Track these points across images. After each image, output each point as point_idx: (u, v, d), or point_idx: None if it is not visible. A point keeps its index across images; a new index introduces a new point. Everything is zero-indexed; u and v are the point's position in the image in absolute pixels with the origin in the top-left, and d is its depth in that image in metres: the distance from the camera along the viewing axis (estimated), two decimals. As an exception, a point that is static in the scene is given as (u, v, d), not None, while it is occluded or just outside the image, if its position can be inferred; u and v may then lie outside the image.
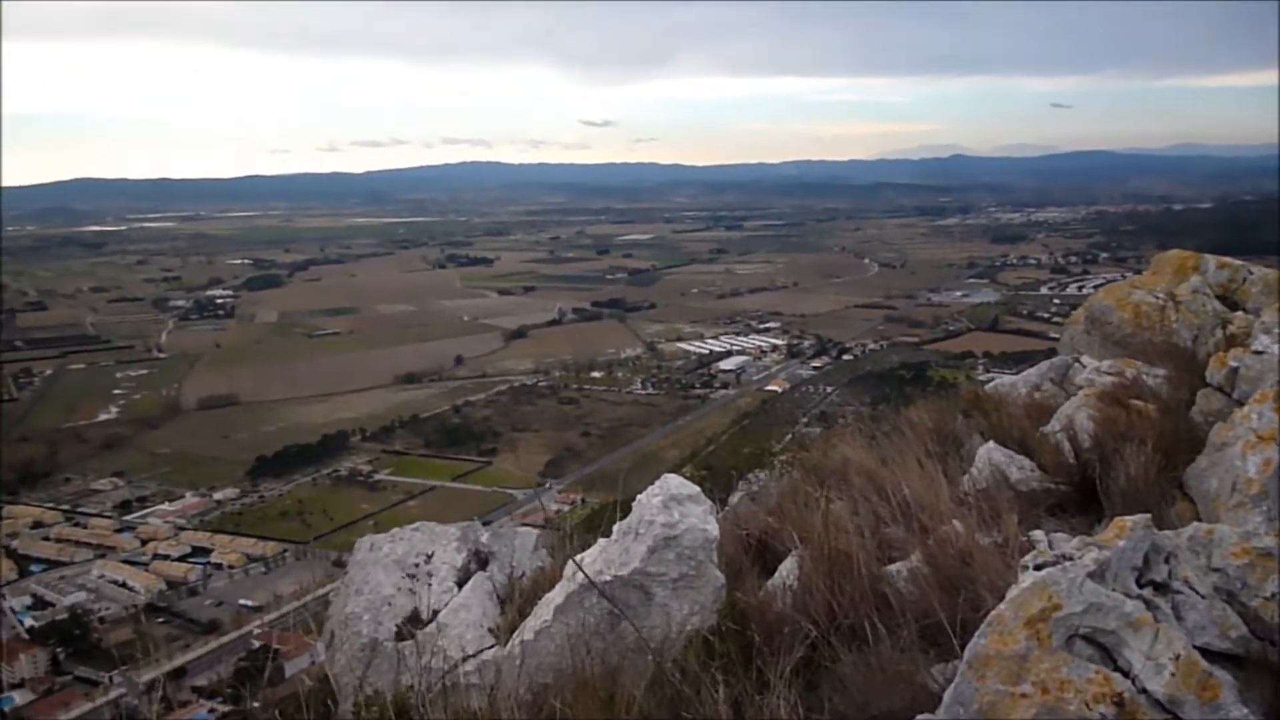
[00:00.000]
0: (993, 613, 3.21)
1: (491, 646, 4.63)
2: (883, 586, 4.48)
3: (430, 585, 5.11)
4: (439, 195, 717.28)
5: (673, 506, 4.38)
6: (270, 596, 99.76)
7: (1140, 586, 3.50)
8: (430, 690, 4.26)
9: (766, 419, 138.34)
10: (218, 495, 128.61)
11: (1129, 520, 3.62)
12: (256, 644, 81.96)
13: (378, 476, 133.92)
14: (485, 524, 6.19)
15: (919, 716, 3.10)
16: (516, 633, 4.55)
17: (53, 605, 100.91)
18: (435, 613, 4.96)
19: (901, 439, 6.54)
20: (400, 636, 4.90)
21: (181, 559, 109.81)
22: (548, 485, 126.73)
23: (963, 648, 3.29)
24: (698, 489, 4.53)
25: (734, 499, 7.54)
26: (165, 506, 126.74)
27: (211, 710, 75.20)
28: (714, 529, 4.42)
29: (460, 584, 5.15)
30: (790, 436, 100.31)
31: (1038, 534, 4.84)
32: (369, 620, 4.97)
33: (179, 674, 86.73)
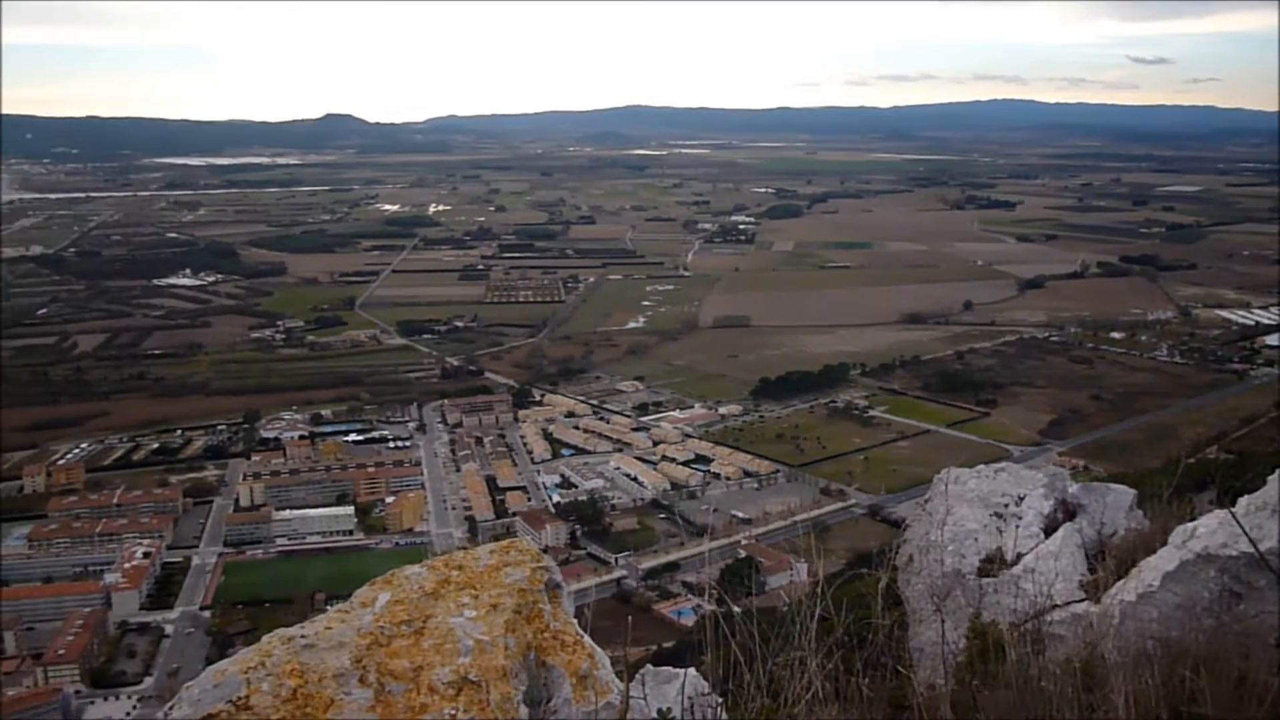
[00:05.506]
0: None
1: (1082, 600, 4.49)
2: None
3: (1016, 528, 5.05)
4: (964, 133, 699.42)
5: (1323, 488, 3.94)
6: (760, 512, 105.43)
7: None
8: (1019, 631, 4.22)
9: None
10: (722, 410, 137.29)
11: None
12: (743, 553, 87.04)
13: (872, 413, 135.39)
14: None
15: None
16: (1112, 592, 4.37)
17: (575, 487, 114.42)
18: (1019, 555, 4.90)
19: None
20: (982, 573, 4.91)
21: (685, 464, 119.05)
22: (1047, 447, 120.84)
23: None
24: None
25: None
26: (675, 413, 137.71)
27: (697, 606, 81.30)
28: (1374, 521, 3.91)
29: (1046, 531, 5.04)
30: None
31: None
32: (952, 551, 5.01)
33: (672, 567, 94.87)
